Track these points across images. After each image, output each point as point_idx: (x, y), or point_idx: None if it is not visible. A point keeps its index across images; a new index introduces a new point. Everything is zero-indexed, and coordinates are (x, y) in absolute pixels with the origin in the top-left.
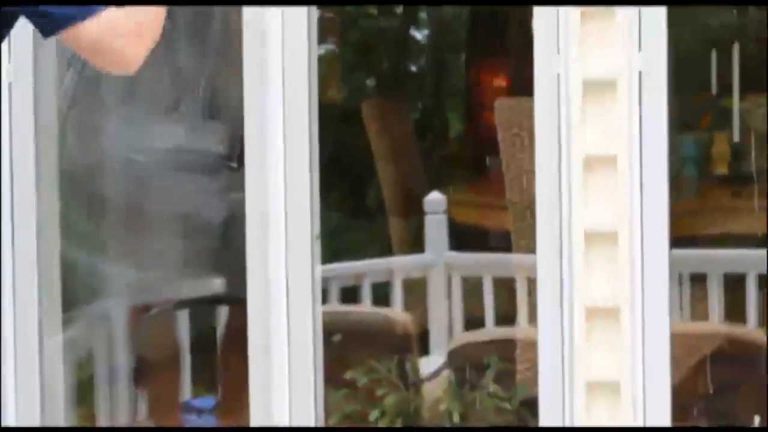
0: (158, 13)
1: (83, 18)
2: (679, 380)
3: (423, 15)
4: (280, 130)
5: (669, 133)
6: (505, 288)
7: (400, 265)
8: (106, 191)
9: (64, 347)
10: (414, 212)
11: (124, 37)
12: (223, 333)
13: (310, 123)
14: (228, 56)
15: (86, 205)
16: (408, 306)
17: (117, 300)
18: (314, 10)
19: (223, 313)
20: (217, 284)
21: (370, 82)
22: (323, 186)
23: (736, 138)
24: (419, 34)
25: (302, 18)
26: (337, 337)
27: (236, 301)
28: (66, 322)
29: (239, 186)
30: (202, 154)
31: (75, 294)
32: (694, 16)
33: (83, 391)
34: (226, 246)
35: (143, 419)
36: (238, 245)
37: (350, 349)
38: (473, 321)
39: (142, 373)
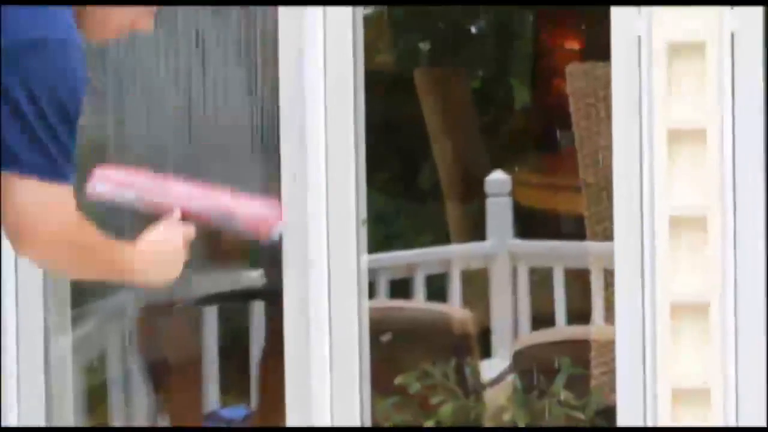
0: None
1: (44, 176)
2: None
3: None
4: (321, 101)
5: (765, 102)
6: (579, 280)
7: (458, 254)
8: (123, 164)
9: (73, 348)
10: (474, 194)
11: (42, 235)
12: (256, 332)
13: (354, 93)
14: (260, 17)
15: None
16: (467, 301)
17: (134, 294)
18: None
19: (256, 309)
20: (249, 277)
21: (424, 45)
22: (370, 165)
23: None
24: None
25: None
26: (385, 337)
27: (271, 295)
28: (75, 320)
29: (275, 165)
30: (233, 129)
31: (85, 287)
32: None
33: (94, 398)
34: None
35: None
36: None
37: (401, 351)
38: (542, 318)
39: (162, 378)
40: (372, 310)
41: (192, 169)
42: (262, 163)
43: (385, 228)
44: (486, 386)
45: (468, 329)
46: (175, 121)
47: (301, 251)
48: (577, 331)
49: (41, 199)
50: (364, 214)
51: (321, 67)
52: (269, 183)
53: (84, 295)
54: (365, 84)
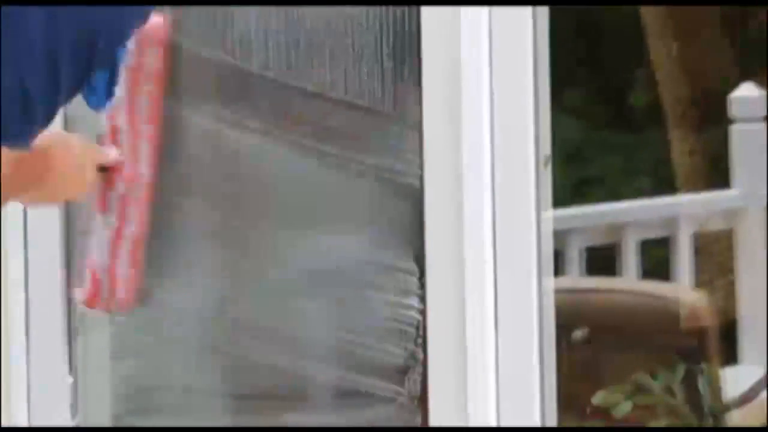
0: None
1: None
2: None
3: None
4: None
5: None
6: None
7: (687, 209)
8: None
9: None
10: (712, 119)
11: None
12: None
13: None
14: None
15: None
16: (703, 279)
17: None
18: None
19: None
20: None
21: None
22: (557, 78)
23: None
24: None
25: None
26: (580, 334)
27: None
28: None
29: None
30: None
31: None
32: None
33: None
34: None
35: None
36: (404, 177)
37: (602, 353)
38: None
39: None
40: (559, 293)
41: (309, 80)
42: (392, 77)
43: (579, 169)
44: (731, 406)
45: (703, 321)
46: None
47: (453, 205)
48: None
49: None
50: (547, 150)
51: None
52: (405, 106)
53: None
54: None
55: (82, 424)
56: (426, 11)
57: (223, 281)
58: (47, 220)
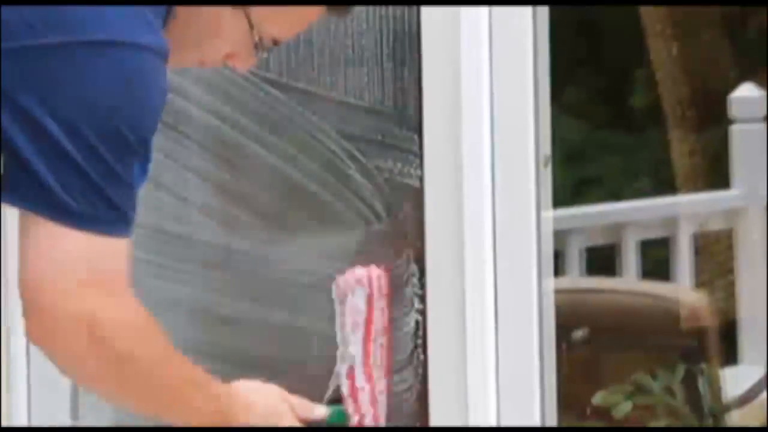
0: None
1: (93, 228)
2: None
3: None
4: None
5: None
6: None
7: (687, 209)
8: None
9: None
10: (712, 119)
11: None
12: None
13: None
14: None
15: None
16: (703, 279)
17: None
18: None
19: None
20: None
21: None
22: (557, 78)
23: None
24: None
25: None
26: (580, 334)
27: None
28: None
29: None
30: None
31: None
32: None
33: None
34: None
35: None
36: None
37: (602, 353)
38: None
39: None
40: (559, 294)
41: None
42: (392, 77)
43: (579, 169)
44: (731, 406)
45: (703, 321)
46: None
47: (453, 205)
48: None
49: (85, 255)
50: (547, 150)
51: None
52: (404, 103)
53: None
54: None
55: (82, 424)
56: (426, 11)
57: (221, 279)
58: None
